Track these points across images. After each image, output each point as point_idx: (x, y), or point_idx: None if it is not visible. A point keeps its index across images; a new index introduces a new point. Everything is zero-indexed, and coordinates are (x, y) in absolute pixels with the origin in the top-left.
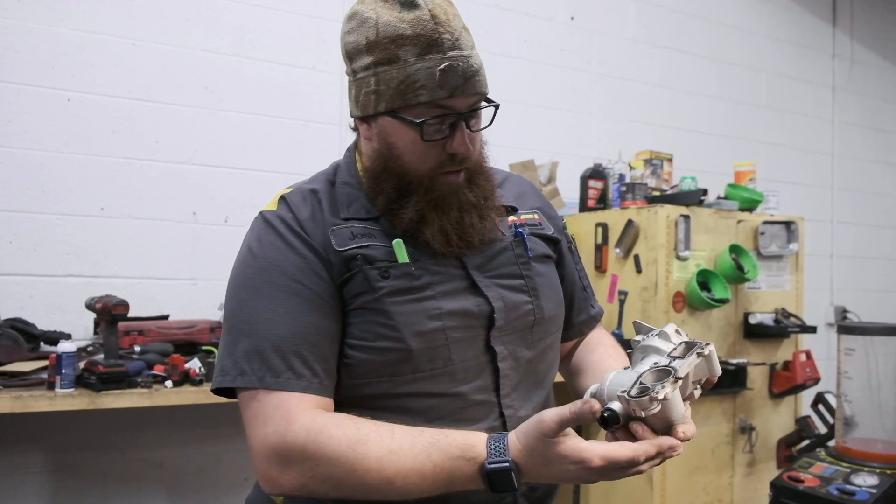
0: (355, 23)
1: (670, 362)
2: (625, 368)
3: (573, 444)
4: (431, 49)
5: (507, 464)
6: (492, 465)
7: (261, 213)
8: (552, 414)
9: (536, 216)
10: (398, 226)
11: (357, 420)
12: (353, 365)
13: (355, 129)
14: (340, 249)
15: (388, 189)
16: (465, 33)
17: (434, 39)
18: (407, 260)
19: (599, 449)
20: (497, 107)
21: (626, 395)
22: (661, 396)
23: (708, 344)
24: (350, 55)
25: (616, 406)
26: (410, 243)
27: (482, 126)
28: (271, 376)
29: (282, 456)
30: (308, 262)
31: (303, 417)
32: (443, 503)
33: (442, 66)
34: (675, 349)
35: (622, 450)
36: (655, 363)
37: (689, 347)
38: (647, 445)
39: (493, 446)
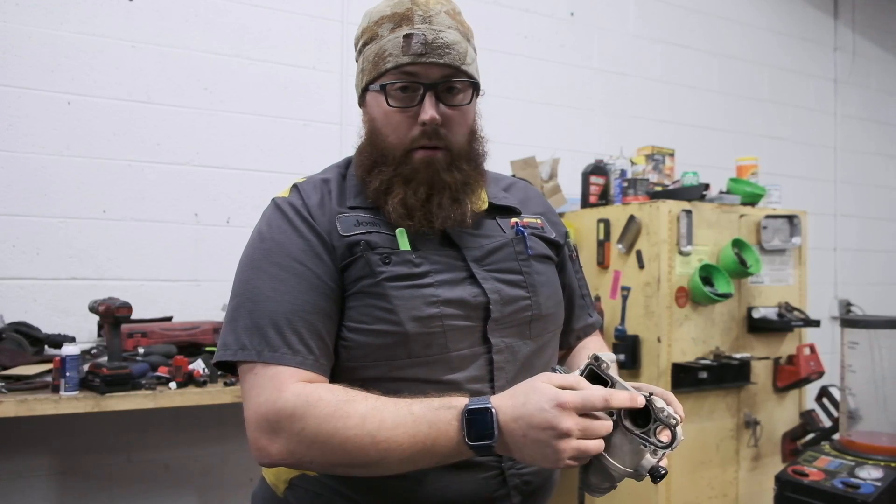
0: (362, 18)
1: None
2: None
3: (553, 386)
4: (402, 23)
5: (486, 404)
6: (471, 406)
7: (273, 199)
8: (544, 373)
9: (539, 220)
10: (370, 196)
11: (348, 388)
12: (351, 347)
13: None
14: (345, 235)
15: (367, 161)
16: (446, 17)
17: (406, 15)
18: (408, 248)
19: (572, 390)
20: (476, 84)
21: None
22: (673, 421)
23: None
24: (355, 46)
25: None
26: (414, 234)
27: (460, 104)
28: (269, 351)
29: (272, 423)
30: (312, 245)
31: (294, 387)
32: (439, 494)
33: (406, 33)
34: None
35: (597, 389)
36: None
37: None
38: (622, 392)
39: (473, 398)
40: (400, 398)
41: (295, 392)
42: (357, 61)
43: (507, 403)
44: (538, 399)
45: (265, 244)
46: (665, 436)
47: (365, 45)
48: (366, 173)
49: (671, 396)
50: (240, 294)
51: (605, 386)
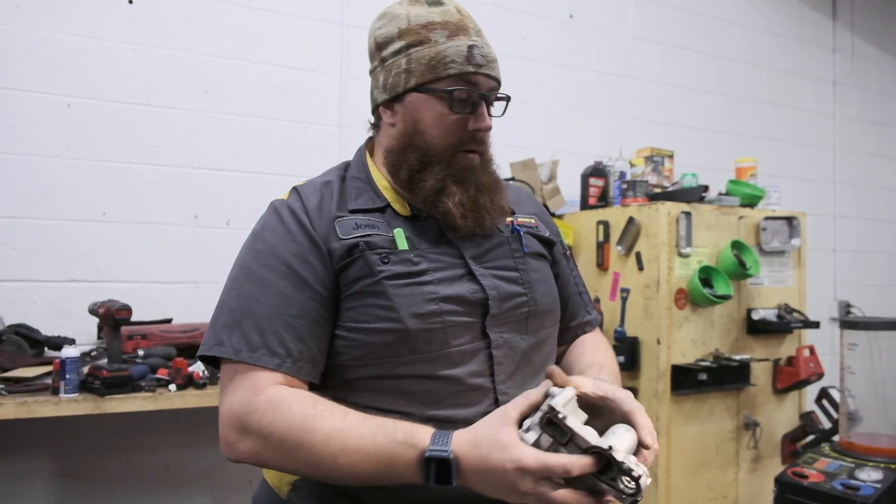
0: (386, 19)
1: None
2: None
3: (517, 440)
4: (459, 32)
5: (445, 453)
6: (431, 453)
7: (272, 201)
8: (515, 403)
9: (533, 220)
10: (418, 195)
11: (317, 398)
12: (353, 347)
13: (374, 124)
14: (344, 238)
15: (412, 161)
16: (483, 34)
17: (461, 26)
18: (406, 247)
19: (536, 452)
20: (508, 99)
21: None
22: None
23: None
24: (380, 45)
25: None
26: (412, 231)
27: (497, 115)
28: (248, 350)
29: (242, 423)
30: (302, 248)
31: (267, 390)
32: (443, 493)
33: (469, 44)
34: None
35: (557, 457)
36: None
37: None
38: (581, 458)
39: (436, 437)
40: (366, 420)
41: (268, 398)
42: (385, 61)
43: (471, 454)
44: (500, 457)
45: (256, 245)
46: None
47: (410, 46)
48: (414, 173)
49: (642, 421)
50: (226, 292)
51: (563, 435)
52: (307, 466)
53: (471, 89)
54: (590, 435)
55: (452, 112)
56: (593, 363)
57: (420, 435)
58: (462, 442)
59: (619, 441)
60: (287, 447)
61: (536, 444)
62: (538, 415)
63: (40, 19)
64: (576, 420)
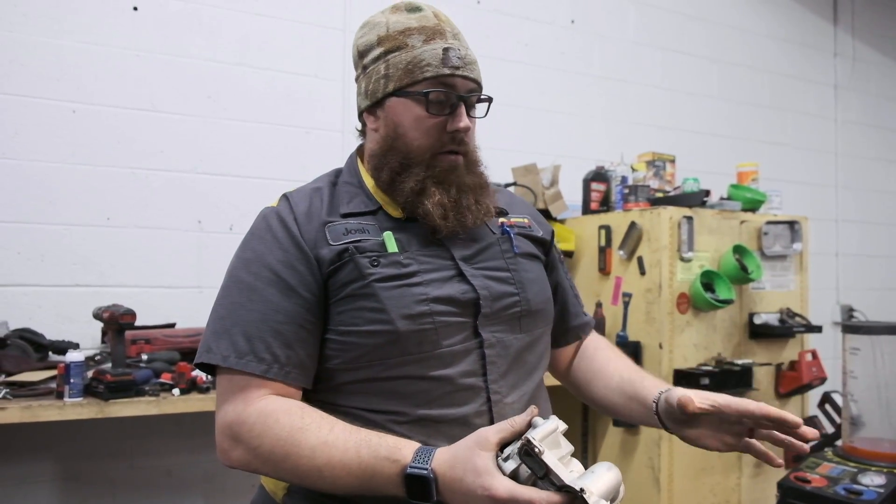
0: (367, 28)
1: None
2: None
3: (492, 466)
4: (435, 36)
5: (425, 471)
6: (412, 470)
7: (262, 209)
8: (498, 428)
9: (526, 220)
10: (399, 197)
11: (305, 409)
12: (344, 350)
13: (361, 130)
14: (333, 243)
15: (393, 163)
16: (462, 37)
17: (438, 30)
18: (396, 250)
19: (508, 482)
20: (490, 100)
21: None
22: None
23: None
24: (362, 53)
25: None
26: (403, 234)
27: (477, 116)
28: (235, 357)
29: (234, 433)
30: (289, 255)
31: (258, 401)
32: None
33: (445, 47)
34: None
35: (526, 490)
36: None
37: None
38: (551, 495)
39: (419, 453)
40: (352, 433)
41: (258, 409)
42: (366, 68)
43: (448, 474)
44: (473, 482)
45: (245, 254)
46: None
47: (388, 52)
48: (395, 175)
49: (775, 412)
50: (217, 301)
51: (540, 469)
52: (294, 477)
53: (448, 91)
54: (566, 473)
55: (429, 114)
56: (635, 371)
57: (403, 451)
58: (442, 461)
59: (595, 482)
60: (275, 459)
61: (515, 474)
62: (518, 444)
63: (46, 26)
64: (554, 455)
